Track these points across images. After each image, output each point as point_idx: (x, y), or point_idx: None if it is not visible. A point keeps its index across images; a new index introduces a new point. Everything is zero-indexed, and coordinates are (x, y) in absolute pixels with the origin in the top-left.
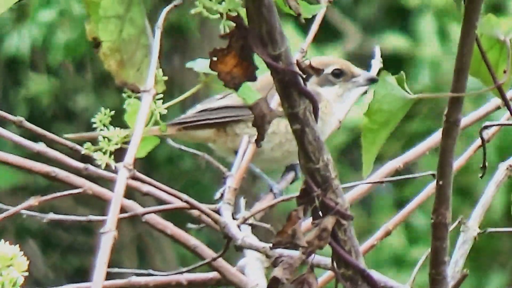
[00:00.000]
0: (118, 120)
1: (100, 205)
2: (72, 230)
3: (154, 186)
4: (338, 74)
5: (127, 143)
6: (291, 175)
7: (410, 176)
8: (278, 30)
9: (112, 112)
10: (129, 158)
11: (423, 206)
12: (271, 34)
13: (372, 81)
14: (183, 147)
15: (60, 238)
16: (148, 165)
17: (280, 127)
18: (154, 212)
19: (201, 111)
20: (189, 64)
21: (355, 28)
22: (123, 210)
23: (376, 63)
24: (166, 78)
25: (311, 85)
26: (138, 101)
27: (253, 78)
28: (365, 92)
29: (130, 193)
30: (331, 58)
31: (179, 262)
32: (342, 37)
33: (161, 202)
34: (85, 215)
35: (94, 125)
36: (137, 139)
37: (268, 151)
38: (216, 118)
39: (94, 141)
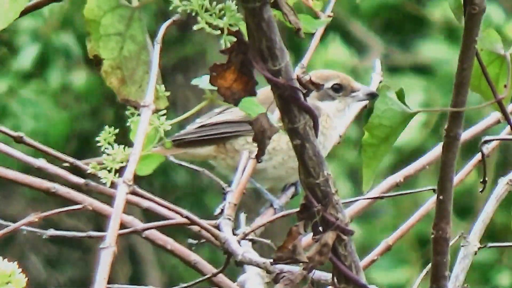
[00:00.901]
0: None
1: (87, 216)
2: (58, 242)
3: (154, 202)
4: (338, 88)
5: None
6: (291, 190)
7: (411, 191)
8: (278, 45)
9: (117, 130)
10: (128, 173)
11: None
12: (271, 49)
13: (372, 96)
14: (182, 163)
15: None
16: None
17: (282, 143)
18: (154, 227)
19: (200, 126)
20: (194, 81)
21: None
22: (122, 225)
23: (377, 77)
24: (168, 93)
25: (311, 100)
26: None
27: (253, 93)
28: (366, 107)
29: (130, 208)
30: (331, 72)
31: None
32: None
33: (160, 217)
34: (84, 230)
35: (98, 144)
36: (137, 154)
37: (271, 169)
38: (215, 134)
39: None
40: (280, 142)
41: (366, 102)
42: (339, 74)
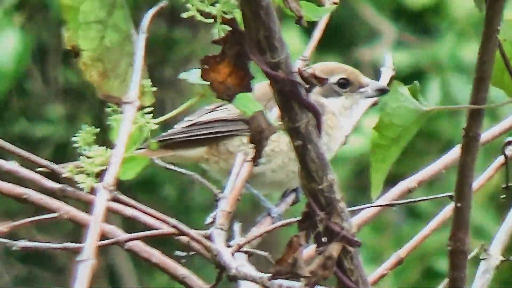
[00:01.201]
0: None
1: (61, 232)
2: (29, 261)
3: (138, 210)
4: (344, 84)
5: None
6: (291, 197)
7: (425, 198)
8: (277, 35)
9: (97, 130)
10: (109, 178)
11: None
12: (269, 39)
13: (382, 91)
14: (169, 167)
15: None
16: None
17: (281, 144)
18: (138, 238)
19: (190, 125)
20: (183, 75)
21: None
22: (102, 236)
23: (388, 71)
24: (155, 89)
25: (315, 96)
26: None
27: (249, 89)
28: (375, 104)
29: (111, 217)
30: (337, 65)
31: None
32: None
33: (146, 227)
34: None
35: (76, 145)
36: (119, 156)
37: (270, 173)
38: (207, 134)
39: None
40: (280, 143)
41: (376, 99)
42: (346, 68)
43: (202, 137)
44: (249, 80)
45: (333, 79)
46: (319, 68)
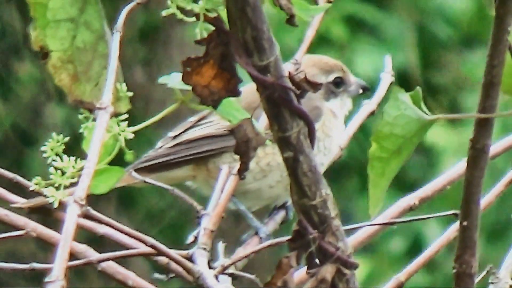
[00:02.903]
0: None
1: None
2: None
3: (113, 227)
4: (339, 83)
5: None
6: (280, 214)
7: (428, 216)
8: (266, 35)
9: (67, 139)
10: (80, 191)
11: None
12: (257, 40)
13: (364, 89)
14: (148, 180)
15: None
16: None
17: (278, 157)
18: (113, 259)
19: (175, 145)
20: (162, 79)
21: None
22: (73, 256)
23: (387, 77)
24: (131, 94)
25: (319, 102)
26: None
27: (236, 93)
28: (373, 113)
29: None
30: (335, 62)
31: None
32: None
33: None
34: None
35: (44, 155)
36: (91, 168)
37: (268, 189)
38: (195, 154)
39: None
40: (276, 155)
41: (374, 108)
42: (340, 65)
43: (190, 157)
44: (235, 83)
45: (330, 78)
46: (318, 63)
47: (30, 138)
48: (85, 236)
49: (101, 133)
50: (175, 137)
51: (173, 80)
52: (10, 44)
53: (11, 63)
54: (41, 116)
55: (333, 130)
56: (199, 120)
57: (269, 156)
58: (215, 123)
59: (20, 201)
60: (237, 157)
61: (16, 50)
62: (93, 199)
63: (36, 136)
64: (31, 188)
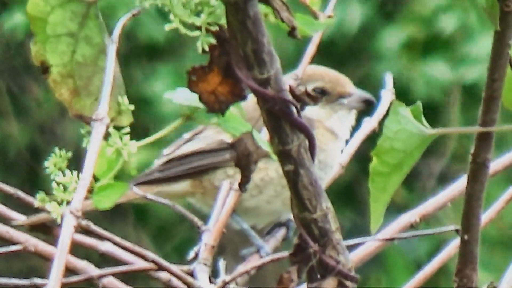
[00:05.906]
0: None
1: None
2: None
3: (114, 243)
4: (320, 93)
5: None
6: (281, 232)
7: (429, 231)
8: (267, 48)
9: (69, 154)
10: (76, 202)
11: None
12: (257, 53)
13: (368, 103)
14: (149, 196)
15: None
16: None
17: (270, 172)
18: (113, 274)
19: (167, 162)
20: (167, 95)
21: None
22: (73, 272)
23: (387, 94)
24: (133, 107)
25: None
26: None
27: (244, 96)
28: (374, 131)
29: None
30: (317, 71)
31: None
32: None
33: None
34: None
35: (47, 170)
36: (87, 179)
37: (265, 205)
38: (188, 169)
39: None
40: (268, 170)
41: (374, 125)
42: (325, 74)
43: (184, 173)
44: (242, 88)
45: (308, 87)
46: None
47: (44, 155)
48: (85, 253)
49: (97, 144)
50: (168, 154)
51: (179, 95)
52: (23, 63)
53: (24, 81)
54: (54, 133)
55: (328, 144)
56: (194, 135)
57: (262, 171)
58: (204, 137)
59: (20, 218)
60: (230, 173)
61: (28, 67)
62: (108, 215)
63: (50, 154)
64: (35, 205)
